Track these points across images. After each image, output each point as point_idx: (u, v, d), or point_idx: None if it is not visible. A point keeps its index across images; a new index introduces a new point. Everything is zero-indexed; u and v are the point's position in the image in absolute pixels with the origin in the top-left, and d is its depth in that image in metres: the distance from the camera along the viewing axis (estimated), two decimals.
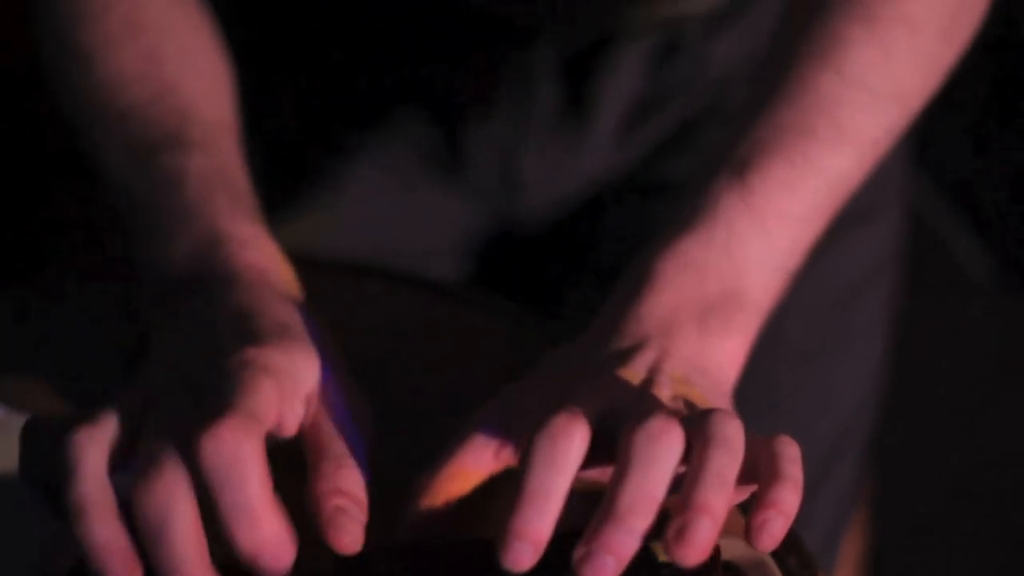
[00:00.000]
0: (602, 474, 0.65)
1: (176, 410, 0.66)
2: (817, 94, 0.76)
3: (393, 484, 0.67)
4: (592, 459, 0.65)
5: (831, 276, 1.01)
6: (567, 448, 0.62)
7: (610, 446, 0.64)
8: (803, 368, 1.01)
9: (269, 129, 1.07)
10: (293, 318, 0.71)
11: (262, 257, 0.74)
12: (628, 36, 1.03)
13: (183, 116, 0.80)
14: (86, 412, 0.66)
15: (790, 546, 0.67)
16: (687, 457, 0.63)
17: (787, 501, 0.62)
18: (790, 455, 0.64)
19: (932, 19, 0.79)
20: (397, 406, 0.72)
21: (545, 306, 1.05)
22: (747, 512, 0.63)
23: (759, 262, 0.74)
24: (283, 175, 1.07)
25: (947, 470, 1.69)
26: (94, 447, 0.64)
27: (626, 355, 0.70)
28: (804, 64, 0.77)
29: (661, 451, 0.62)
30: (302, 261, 0.77)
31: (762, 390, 0.92)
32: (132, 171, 0.79)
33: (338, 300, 0.73)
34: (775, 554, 0.67)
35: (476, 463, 0.67)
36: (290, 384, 0.67)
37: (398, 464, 0.68)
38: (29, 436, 0.68)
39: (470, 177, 1.07)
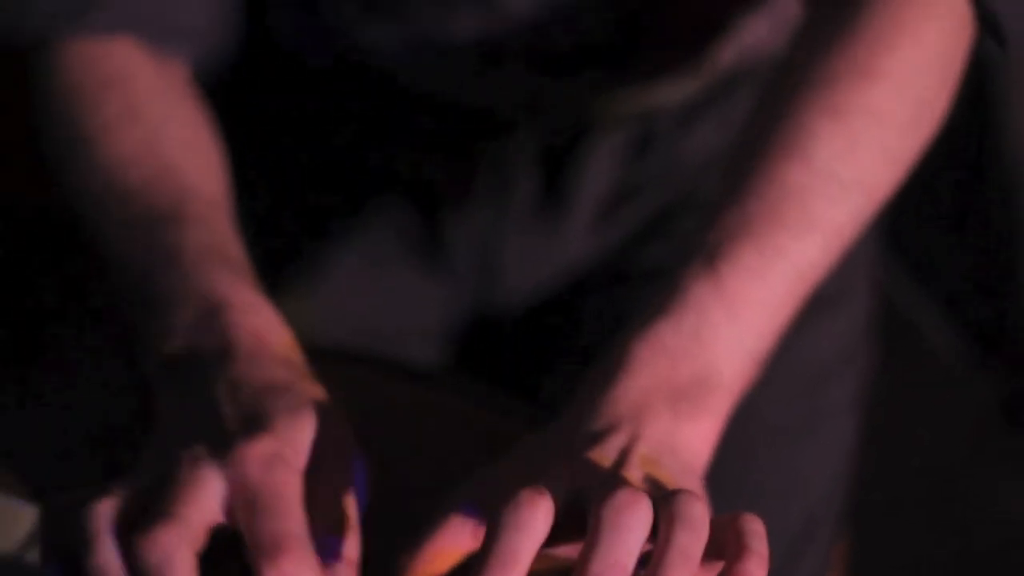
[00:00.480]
0: (576, 551, 0.67)
1: (143, 499, 0.69)
2: (786, 184, 0.78)
3: (376, 568, 0.69)
4: (565, 538, 0.67)
5: (801, 360, 1.03)
6: (532, 515, 0.64)
7: (582, 525, 0.66)
8: (774, 451, 1.03)
9: (251, 214, 1.09)
10: (291, 381, 0.73)
11: (261, 323, 0.76)
12: (604, 127, 1.06)
13: (181, 194, 0.83)
14: (104, 487, 0.69)
15: None
16: (654, 536, 0.65)
17: (754, 573, 0.65)
18: (755, 531, 0.66)
19: (897, 112, 0.81)
20: (378, 491, 0.73)
21: (524, 391, 1.07)
22: None
23: (729, 347, 0.76)
24: (265, 260, 1.09)
25: (924, 556, 1.70)
26: (109, 518, 0.68)
27: (598, 437, 0.72)
28: (773, 154, 0.79)
29: (629, 521, 0.64)
30: None
31: (734, 472, 0.94)
32: (130, 247, 0.82)
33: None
34: None
35: (454, 543, 0.69)
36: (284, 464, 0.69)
37: (381, 549, 0.70)
38: (51, 513, 0.71)
39: (450, 263, 1.09)
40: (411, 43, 0.99)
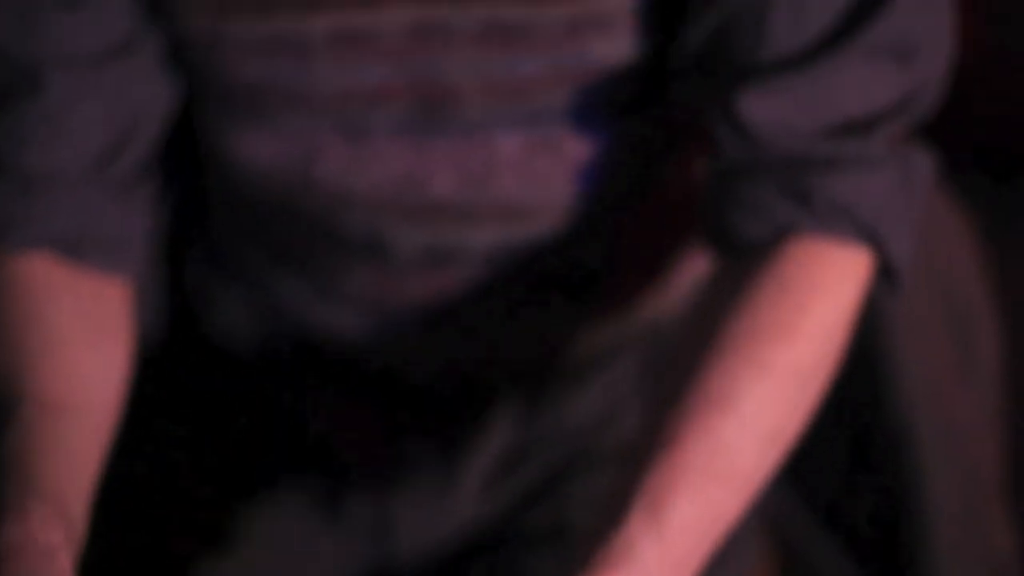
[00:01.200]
0: None
1: None
2: (720, 439, 0.81)
3: None
4: None
5: None
6: None
7: None
8: None
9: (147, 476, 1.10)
10: None
11: (17, 538, 0.77)
12: (493, 390, 1.08)
13: (19, 398, 0.85)
14: None
15: None
16: None
17: None
18: None
19: (815, 369, 0.86)
20: None
21: None
22: None
23: None
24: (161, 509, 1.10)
25: None
26: None
27: None
28: (707, 407, 0.82)
29: None
30: None
31: None
32: None
33: None
34: None
35: None
36: None
37: None
38: None
39: (346, 524, 1.10)
40: (319, 295, 1.02)
